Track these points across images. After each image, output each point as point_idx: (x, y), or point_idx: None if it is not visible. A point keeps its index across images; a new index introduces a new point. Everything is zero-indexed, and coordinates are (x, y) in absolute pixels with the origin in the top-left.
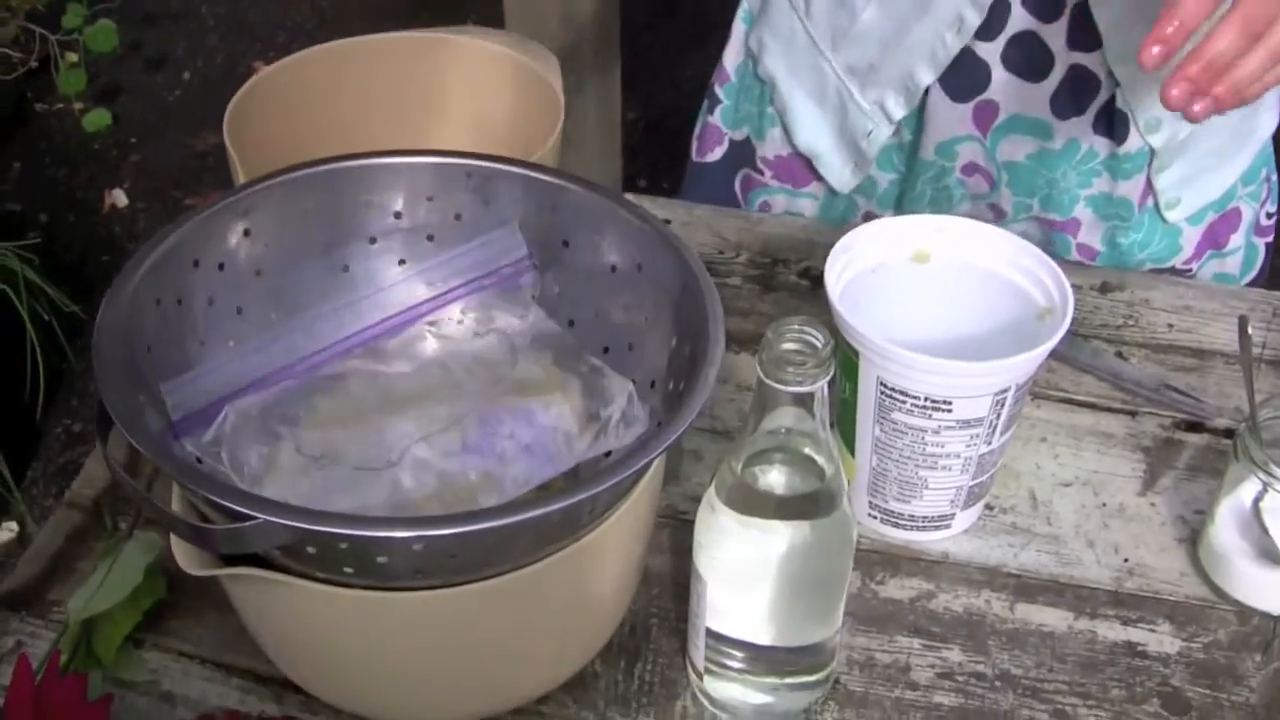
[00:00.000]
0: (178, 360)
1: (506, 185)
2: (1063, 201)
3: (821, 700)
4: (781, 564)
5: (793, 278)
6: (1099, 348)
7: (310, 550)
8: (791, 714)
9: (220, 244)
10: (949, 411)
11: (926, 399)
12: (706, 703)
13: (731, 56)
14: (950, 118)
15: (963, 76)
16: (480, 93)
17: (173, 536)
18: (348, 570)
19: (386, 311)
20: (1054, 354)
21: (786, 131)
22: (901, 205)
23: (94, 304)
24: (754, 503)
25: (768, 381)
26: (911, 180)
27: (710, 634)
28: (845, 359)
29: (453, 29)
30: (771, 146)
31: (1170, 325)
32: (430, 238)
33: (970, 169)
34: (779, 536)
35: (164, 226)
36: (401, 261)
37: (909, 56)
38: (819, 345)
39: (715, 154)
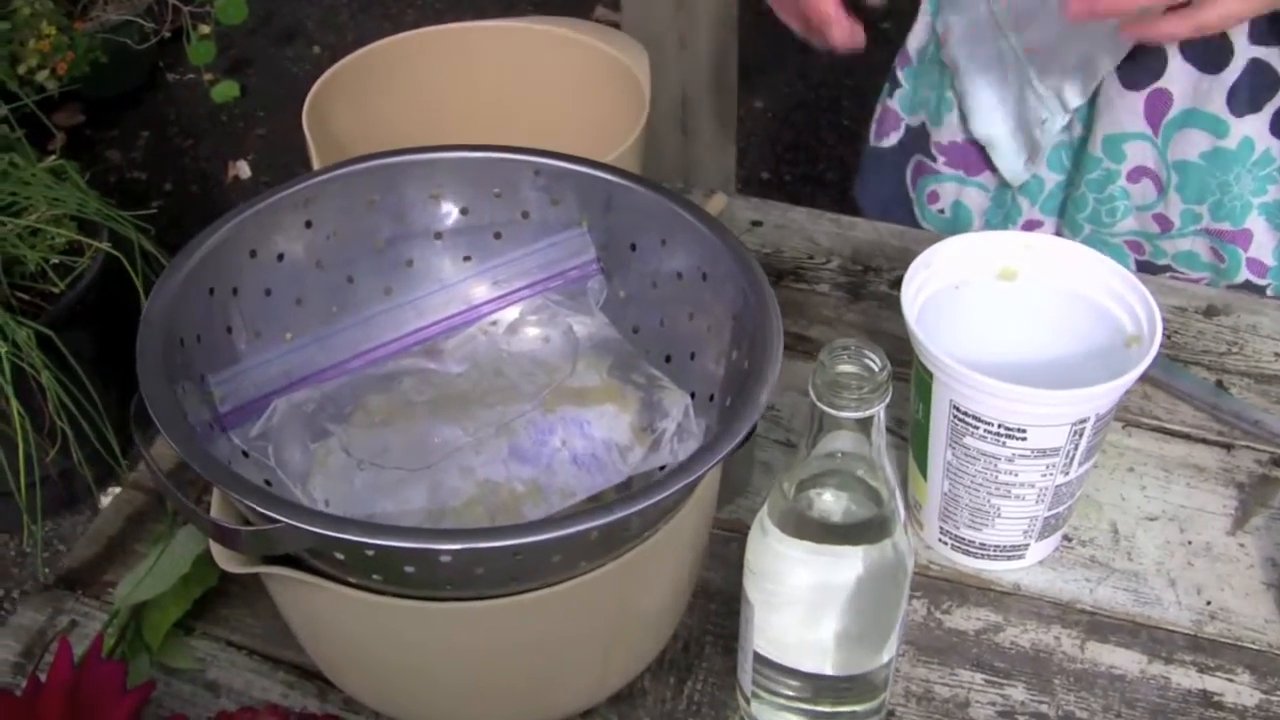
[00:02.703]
0: (228, 351)
1: (576, 185)
2: (1234, 209)
3: None
4: (833, 591)
5: (883, 287)
6: (1198, 375)
7: (338, 556)
8: None
9: (280, 235)
10: (1023, 440)
11: (1000, 425)
12: None
13: (915, 39)
14: (1122, 109)
15: (1139, 62)
16: (564, 85)
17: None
18: (376, 577)
19: (448, 310)
20: (1150, 380)
21: (963, 117)
22: (1065, 213)
23: None
24: (806, 527)
25: (822, 407)
26: (1077, 181)
27: (758, 658)
28: (920, 378)
29: (545, 19)
30: (947, 132)
31: (1277, 354)
32: (497, 235)
33: (1137, 174)
34: (830, 562)
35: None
36: (466, 258)
37: (1091, 42)
38: (875, 369)
39: (891, 139)
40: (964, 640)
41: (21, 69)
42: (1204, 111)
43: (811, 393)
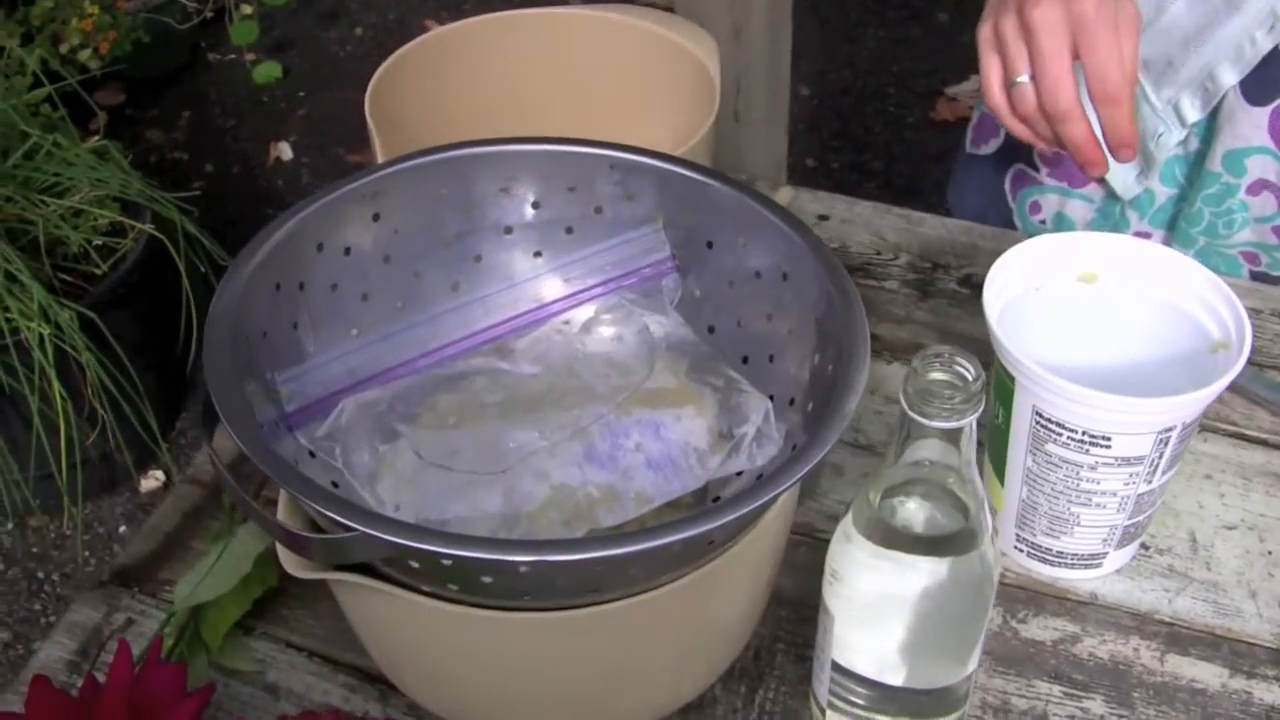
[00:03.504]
0: (294, 348)
1: (651, 180)
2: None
3: None
4: (916, 601)
5: (953, 285)
6: (1276, 380)
7: (413, 564)
8: None
9: (347, 228)
10: (1107, 447)
11: (1084, 433)
12: None
13: None
14: (1245, 124)
15: (1264, 78)
16: (633, 75)
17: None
18: (452, 587)
19: (518, 307)
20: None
21: None
22: (1176, 226)
23: None
24: (891, 536)
25: (912, 415)
26: (1191, 197)
27: (836, 668)
28: (1000, 383)
29: (615, 6)
30: None
31: None
32: (569, 230)
33: (1258, 186)
34: (915, 573)
35: (291, 206)
36: (537, 254)
37: (1213, 54)
38: (969, 378)
39: (990, 146)
40: (1041, 651)
41: (64, 48)
42: (1246, 146)
43: (902, 400)
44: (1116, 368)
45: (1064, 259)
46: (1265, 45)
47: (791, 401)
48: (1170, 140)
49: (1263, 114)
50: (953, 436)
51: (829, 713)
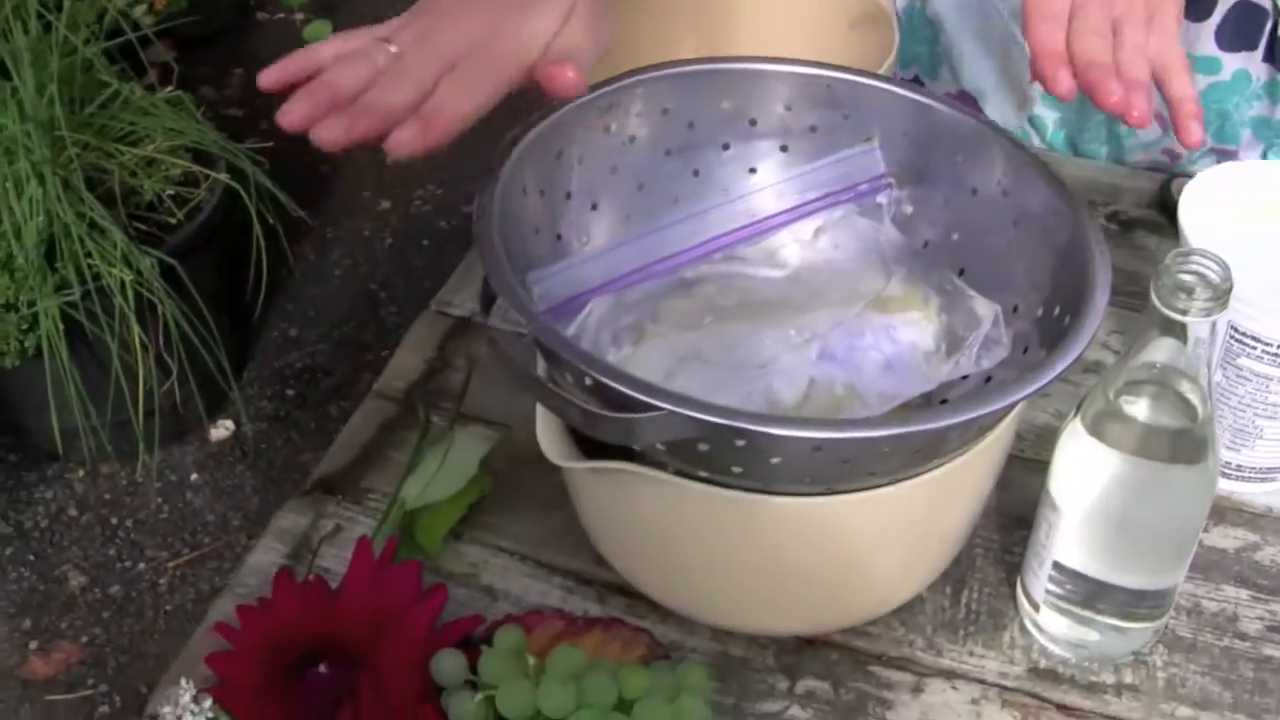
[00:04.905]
0: (537, 252)
1: (868, 100)
2: (1236, 132)
3: (1151, 644)
4: (1142, 503)
5: (1101, 221)
6: None
7: (702, 447)
8: (1122, 653)
9: (581, 138)
10: None
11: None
12: (1036, 634)
13: None
14: None
15: None
16: (812, 12)
17: (540, 426)
18: (735, 470)
19: (735, 222)
20: None
21: (953, 70)
22: (1076, 147)
23: (317, 211)
24: (1123, 435)
25: (1160, 308)
26: (1082, 122)
27: (1056, 566)
28: None
29: None
30: (943, 85)
31: None
32: (784, 149)
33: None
34: (1145, 474)
35: (531, 115)
36: (752, 170)
37: None
38: (1218, 278)
39: None
40: (1224, 558)
41: (120, 2)
42: (1198, 55)
43: (1154, 296)
44: None
45: (1257, 186)
46: None
47: (1015, 309)
48: None
49: None
50: (1193, 339)
51: (1043, 609)
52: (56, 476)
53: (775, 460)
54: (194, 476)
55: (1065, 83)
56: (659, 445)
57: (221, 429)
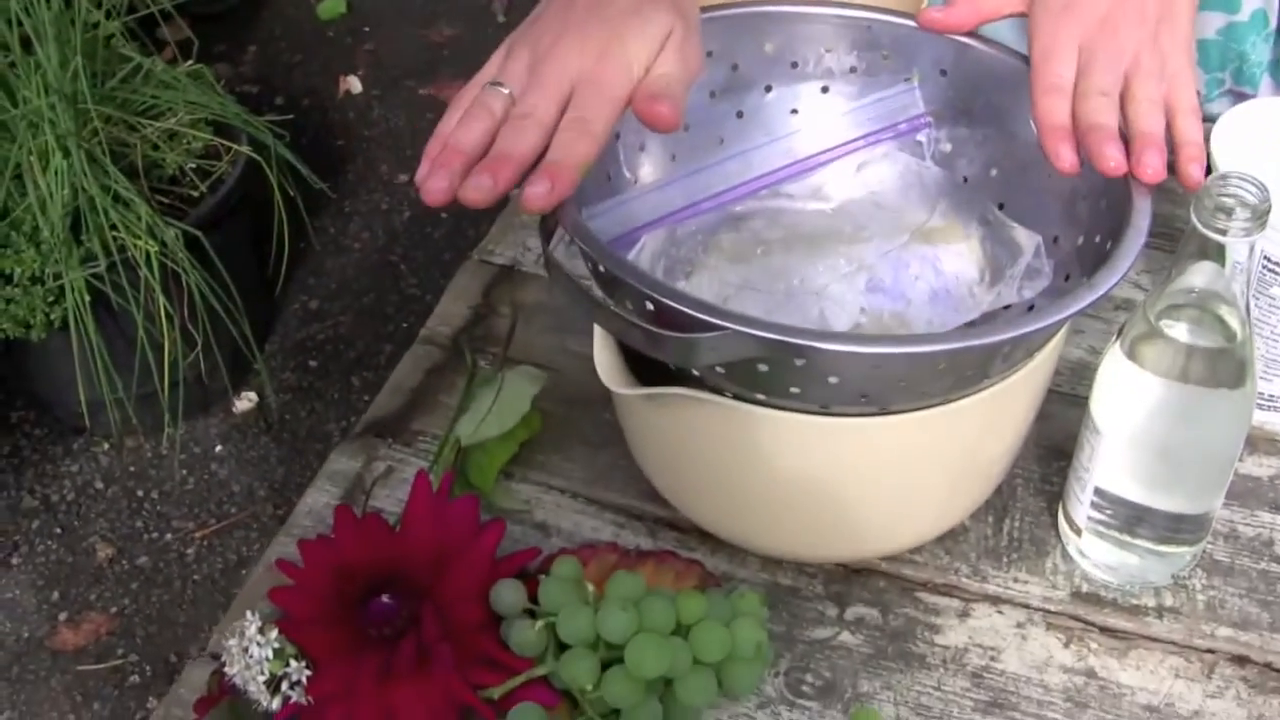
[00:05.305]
0: (588, 190)
1: (907, 40)
2: (1255, 75)
3: (1190, 568)
4: (1182, 427)
5: None
6: None
7: (761, 368)
8: (1162, 577)
9: None
10: None
11: None
12: (1079, 559)
13: None
14: None
15: None
16: None
17: (597, 353)
18: (793, 391)
19: (780, 161)
20: None
21: None
22: None
23: (335, 185)
24: (1164, 359)
25: (1201, 229)
26: None
27: (1098, 492)
28: None
29: None
30: None
31: None
32: (825, 90)
33: None
34: (1185, 396)
35: None
36: (794, 111)
37: None
38: (1258, 199)
39: None
40: (1259, 485)
41: None
42: None
43: (1194, 217)
44: None
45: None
46: None
47: (1055, 240)
48: None
49: None
50: (1230, 261)
51: (1085, 534)
52: (83, 450)
53: (833, 380)
54: (219, 448)
55: (1067, 159)
56: (718, 368)
57: (245, 401)
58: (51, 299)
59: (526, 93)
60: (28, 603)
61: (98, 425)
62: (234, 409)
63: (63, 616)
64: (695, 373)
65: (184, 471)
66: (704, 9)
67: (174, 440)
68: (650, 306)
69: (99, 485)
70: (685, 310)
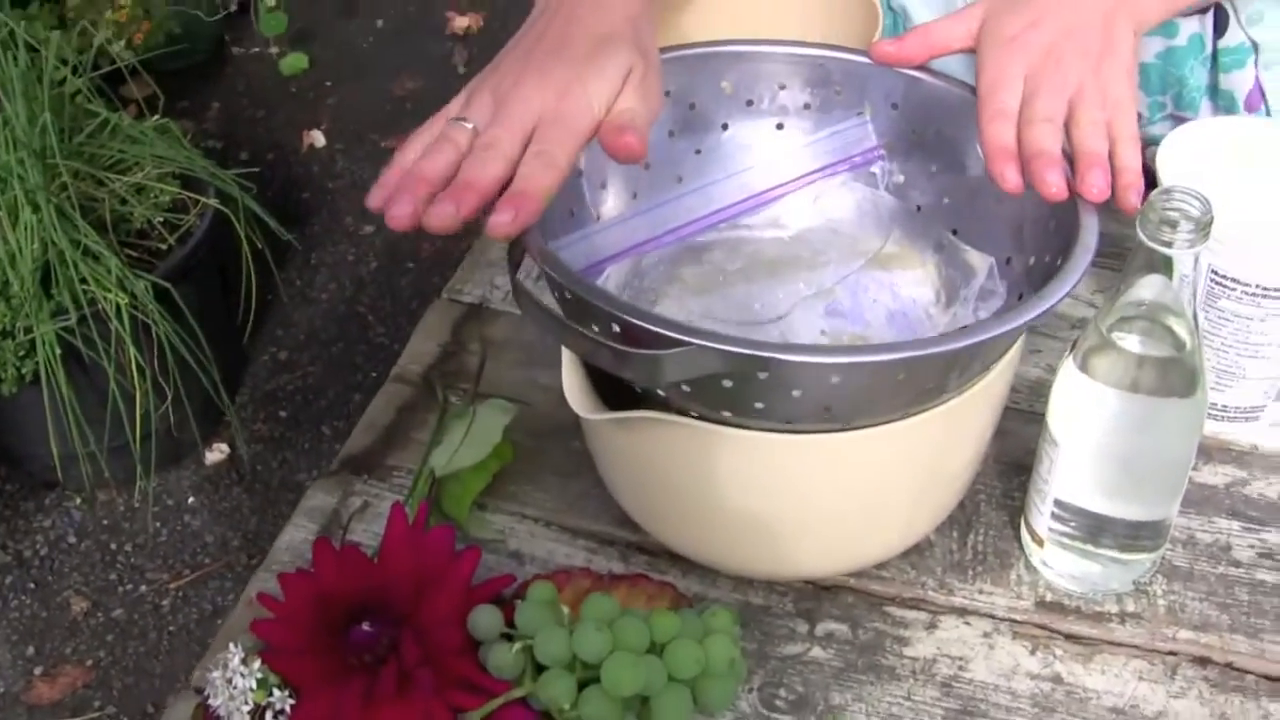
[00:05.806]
0: (552, 225)
1: (859, 76)
2: (1194, 100)
3: (1150, 574)
4: (1137, 436)
5: None
6: None
7: (726, 384)
8: (1124, 584)
9: None
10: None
11: (1258, 286)
12: (1042, 569)
13: None
14: None
15: None
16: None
17: (566, 379)
18: (758, 406)
19: (738, 195)
20: None
21: None
22: None
23: (301, 237)
24: (1116, 370)
25: (1147, 243)
26: None
27: (1058, 503)
28: None
29: None
30: None
31: None
32: (780, 126)
33: None
34: (1138, 407)
35: None
36: (750, 148)
37: None
38: (1199, 212)
39: None
40: (1215, 493)
41: (97, 40)
42: None
43: (1140, 231)
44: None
45: (1222, 141)
46: None
47: (1008, 261)
48: None
49: None
50: (1177, 273)
51: (1047, 545)
52: (55, 504)
53: (796, 393)
54: (191, 500)
55: (1012, 180)
56: (684, 387)
57: (217, 452)
58: (22, 353)
59: (490, 126)
60: (2, 658)
61: (70, 479)
62: (205, 460)
63: (38, 670)
64: (661, 394)
65: (157, 524)
66: (662, 49)
67: (146, 492)
68: (616, 328)
69: (72, 539)
70: (650, 328)
